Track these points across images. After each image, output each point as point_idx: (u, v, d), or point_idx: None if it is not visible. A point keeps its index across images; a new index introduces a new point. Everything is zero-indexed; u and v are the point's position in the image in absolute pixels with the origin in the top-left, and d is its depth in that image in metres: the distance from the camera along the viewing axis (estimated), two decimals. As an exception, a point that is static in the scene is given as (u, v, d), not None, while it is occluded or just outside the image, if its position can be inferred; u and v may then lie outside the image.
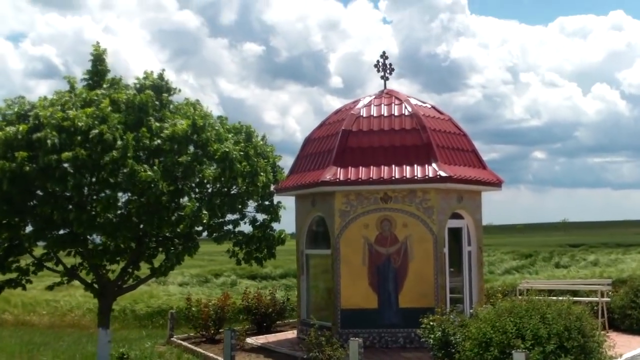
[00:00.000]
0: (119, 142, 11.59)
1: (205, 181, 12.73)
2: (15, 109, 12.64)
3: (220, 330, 16.95)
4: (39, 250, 13.51)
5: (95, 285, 13.88)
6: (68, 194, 12.02)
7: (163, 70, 13.60)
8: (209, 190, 13.30)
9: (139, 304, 24.37)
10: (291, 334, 17.56)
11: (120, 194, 12.25)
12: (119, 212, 12.46)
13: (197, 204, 12.30)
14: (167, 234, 13.11)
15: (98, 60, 13.47)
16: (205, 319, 17.36)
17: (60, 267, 13.82)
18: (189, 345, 16.47)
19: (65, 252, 13.41)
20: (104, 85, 13.23)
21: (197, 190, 13.11)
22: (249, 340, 16.71)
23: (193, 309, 17.74)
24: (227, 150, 12.55)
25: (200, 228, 13.31)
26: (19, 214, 12.38)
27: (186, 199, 12.74)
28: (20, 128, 11.84)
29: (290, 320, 19.17)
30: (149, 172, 11.66)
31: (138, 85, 13.40)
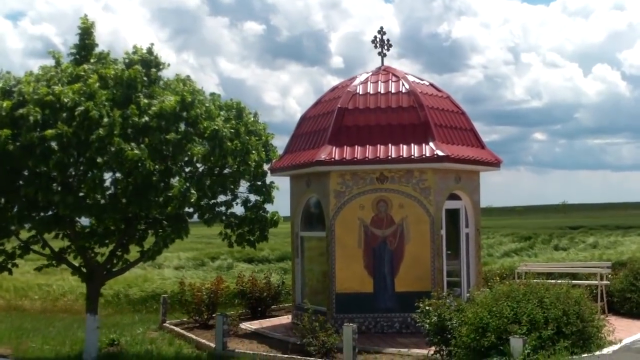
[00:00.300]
0: (105, 120, 11.16)
1: (195, 160, 12.26)
2: (0, 85, 12.19)
3: (213, 316, 16.60)
4: (25, 233, 13.12)
5: (84, 269, 13.49)
6: (53, 174, 11.57)
7: (152, 44, 13.15)
8: (200, 170, 12.85)
9: (132, 288, 23.94)
10: (286, 319, 17.23)
11: (107, 174, 11.84)
12: (107, 193, 12.05)
13: (187, 184, 11.85)
14: (156, 216, 12.64)
15: (86, 34, 13.00)
16: (198, 304, 17.04)
17: (47, 251, 13.41)
18: (181, 331, 16.15)
19: (52, 235, 13.04)
20: (91, 60, 12.74)
21: (187, 169, 12.66)
22: (243, 325, 16.39)
23: (186, 293, 17.40)
24: (217, 127, 12.10)
25: (190, 209, 12.89)
26: (3, 194, 11.95)
27: (177, 179, 12.32)
28: (4, 104, 11.41)
29: (286, 305, 18.83)
30: (136, 151, 11.23)
31: (127, 61, 12.93)
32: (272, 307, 18.63)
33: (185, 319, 17.69)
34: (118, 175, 12.05)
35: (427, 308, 12.09)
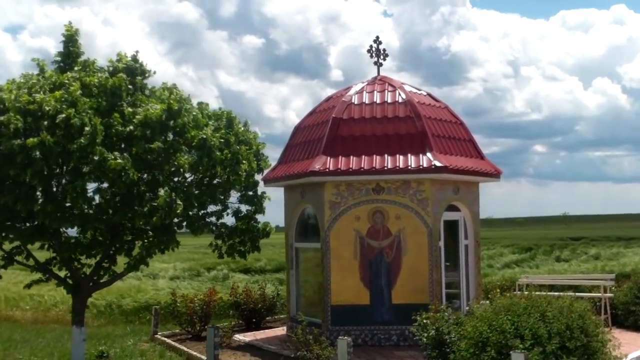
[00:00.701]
0: (87, 128, 10.85)
1: (182, 170, 11.91)
2: None
3: (206, 327, 16.24)
4: (9, 244, 12.77)
5: (69, 281, 13.15)
6: (34, 184, 11.23)
7: (137, 52, 12.85)
8: (188, 180, 12.53)
9: (125, 299, 23.63)
10: (281, 331, 16.87)
11: (90, 184, 11.50)
12: (94, 203, 11.72)
13: (173, 194, 11.51)
14: (142, 226, 12.28)
15: (70, 42, 12.65)
16: (190, 315, 16.69)
17: (31, 262, 13.06)
18: (173, 343, 15.80)
19: (38, 246, 12.70)
20: (75, 68, 12.43)
21: (175, 179, 12.32)
22: (237, 337, 16.04)
23: (178, 304, 17.06)
24: (205, 136, 11.75)
25: (177, 220, 12.56)
26: None
27: (166, 189, 11.99)
28: None
29: (281, 316, 18.48)
30: (119, 160, 10.90)
31: (111, 68, 12.62)
32: (267, 318, 18.27)
33: (177, 331, 17.34)
34: (103, 185, 11.72)
35: (424, 321, 11.76)
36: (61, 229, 12.29)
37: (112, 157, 10.94)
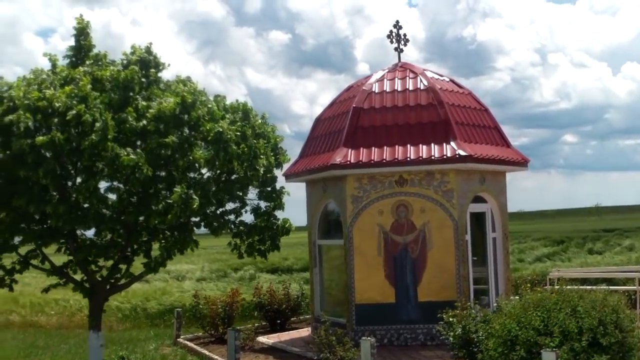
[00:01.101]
0: (97, 124, 10.45)
1: (198, 165, 11.39)
2: None
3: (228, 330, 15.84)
4: (25, 248, 12.45)
5: (86, 284, 12.77)
6: (45, 183, 10.82)
7: (150, 43, 12.44)
8: (205, 176, 12.04)
9: (150, 302, 23.30)
10: (306, 332, 16.46)
11: (105, 182, 11.09)
12: (109, 202, 11.31)
13: (188, 191, 10.97)
14: (158, 225, 11.74)
15: (81, 35, 12.26)
16: (213, 317, 16.30)
17: (47, 265, 12.71)
18: (195, 347, 15.43)
19: (55, 249, 12.36)
20: (87, 62, 12.04)
21: (191, 175, 11.81)
22: (261, 339, 15.64)
23: (201, 306, 16.67)
24: (221, 130, 11.23)
25: (197, 218, 12.05)
26: None
27: (182, 185, 11.50)
28: None
29: (307, 317, 18.03)
30: (132, 156, 10.47)
31: (125, 62, 12.22)
32: (292, 319, 17.84)
33: (200, 334, 16.97)
34: (117, 183, 11.30)
35: (451, 319, 11.22)
36: (77, 231, 11.91)
37: (125, 153, 10.51)
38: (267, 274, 32.05)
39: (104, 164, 10.71)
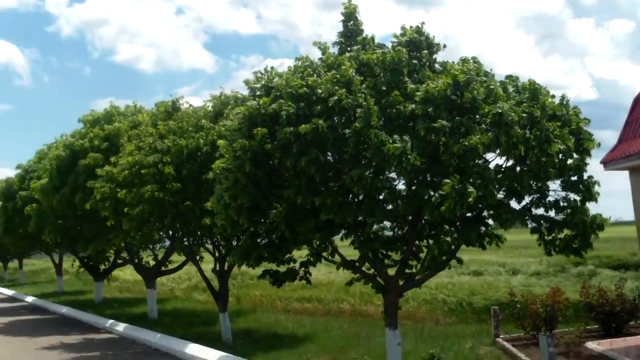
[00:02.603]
0: (359, 110, 9.87)
1: (474, 151, 10.00)
2: (263, 82, 11.69)
3: (552, 332, 14.38)
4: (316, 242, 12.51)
5: (380, 280, 12.34)
6: (311, 173, 10.49)
7: (422, 23, 11.61)
8: (486, 164, 10.71)
9: (475, 296, 22.37)
10: (646, 338, 14.25)
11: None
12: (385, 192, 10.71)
13: (463, 180, 9.73)
14: (437, 219, 10.63)
15: (349, 19, 11.87)
16: (533, 318, 14.95)
17: (337, 258, 12.53)
18: (512, 348, 14.27)
19: (348, 243, 12.16)
20: (355, 47, 11.54)
21: (470, 164, 10.48)
22: (590, 344, 13.97)
23: (517, 305, 15.40)
24: (501, 111, 9.81)
25: (487, 212, 10.77)
26: (265, 198, 11.33)
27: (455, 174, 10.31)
28: (262, 101, 10.82)
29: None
30: (398, 144, 9.69)
31: (394, 44, 11.52)
32: (630, 323, 15.65)
33: (522, 334, 15.69)
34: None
35: None
36: (367, 223, 11.48)
37: (391, 140, 9.78)
38: (609, 270, 28.95)
39: (370, 153, 10.12)
